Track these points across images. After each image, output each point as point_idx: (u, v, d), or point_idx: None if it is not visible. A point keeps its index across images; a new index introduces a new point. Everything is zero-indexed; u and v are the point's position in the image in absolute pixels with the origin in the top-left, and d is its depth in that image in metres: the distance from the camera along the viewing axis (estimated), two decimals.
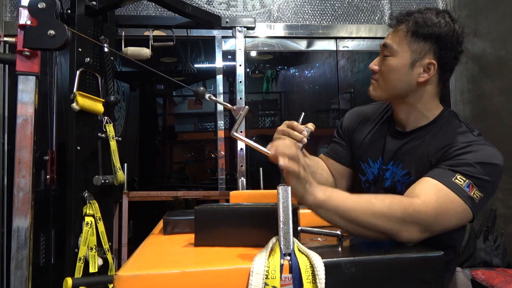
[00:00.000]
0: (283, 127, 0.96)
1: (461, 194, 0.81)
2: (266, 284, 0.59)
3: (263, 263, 0.60)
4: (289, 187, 0.69)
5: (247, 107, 0.94)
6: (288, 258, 0.64)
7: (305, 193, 0.70)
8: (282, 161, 0.66)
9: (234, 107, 0.95)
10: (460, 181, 0.82)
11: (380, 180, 1.03)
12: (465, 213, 0.82)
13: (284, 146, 0.68)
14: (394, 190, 0.99)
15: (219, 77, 2.20)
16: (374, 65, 0.99)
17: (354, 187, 1.16)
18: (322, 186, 0.74)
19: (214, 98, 1.00)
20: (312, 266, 0.62)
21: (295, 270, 0.62)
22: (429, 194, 0.80)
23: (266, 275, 0.59)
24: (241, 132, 2.05)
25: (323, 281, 0.59)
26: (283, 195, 0.68)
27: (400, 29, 0.94)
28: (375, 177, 1.05)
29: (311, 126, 0.97)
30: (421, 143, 0.96)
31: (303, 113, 0.99)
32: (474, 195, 0.82)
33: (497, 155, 0.87)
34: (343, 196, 0.74)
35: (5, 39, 1.26)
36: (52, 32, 1.16)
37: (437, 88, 0.97)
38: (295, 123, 0.95)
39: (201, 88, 1.01)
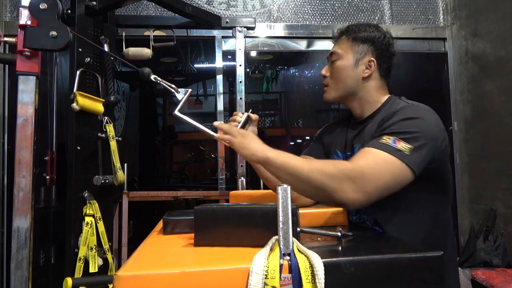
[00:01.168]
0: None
1: (387, 149, 0.88)
2: (265, 284, 0.59)
3: (262, 263, 0.60)
4: (289, 187, 0.69)
5: (190, 90, 1.09)
6: (288, 258, 0.64)
7: (255, 152, 0.91)
8: (216, 135, 0.99)
9: (179, 90, 1.08)
10: (386, 140, 0.90)
11: None
12: (397, 166, 0.87)
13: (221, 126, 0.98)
14: None
15: (219, 77, 2.20)
16: (325, 71, 1.16)
17: None
18: (265, 152, 0.91)
19: (159, 78, 1.06)
20: (311, 266, 0.62)
21: (294, 270, 0.62)
22: (359, 157, 0.90)
23: (265, 275, 0.59)
24: None
25: (323, 281, 0.59)
26: (282, 195, 0.68)
27: (342, 38, 1.14)
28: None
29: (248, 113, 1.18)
30: (370, 126, 1.07)
31: (247, 113, 1.19)
32: (403, 147, 0.88)
33: (421, 111, 0.96)
34: (289, 155, 0.90)
35: (5, 39, 1.26)
36: (54, 33, 1.16)
37: (380, 81, 1.12)
38: (236, 112, 1.20)
39: (147, 68, 1.06)
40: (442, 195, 1.03)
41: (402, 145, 0.88)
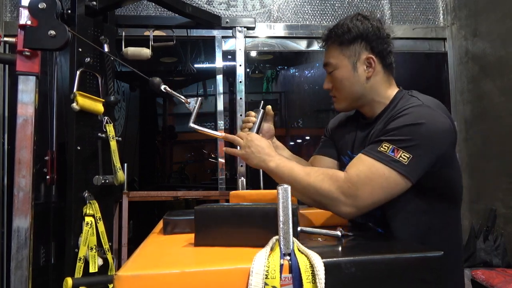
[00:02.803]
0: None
1: (384, 160, 0.85)
2: (266, 284, 0.59)
3: (263, 263, 0.60)
4: (289, 187, 0.69)
5: (200, 98, 1.06)
6: (288, 258, 0.64)
7: (259, 162, 0.96)
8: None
9: (189, 100, 1.06)
10: (385, 148, 0.86)
11: None
12: (392, 180, 0.84)
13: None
14: None
15: (219, 77, 2.20)
16: (326, 84, 1.10)
17: None
18: (277, 155, 0.95)
19: (169, 89, 1.04)
20: (312, 266, 0.62)
21: (295, 270, 0.62)
22: (353, 169, 0.88)
23: (266, 275, 0.59)
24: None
25: (323, 281, 0.59)
26: (282, 195, 0.68)
27: (329, 46, 1.07)
28: None
29: (264, 109, 1.17)
30: (379, 126, 1.01)
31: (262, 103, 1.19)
32: (401, 158, 0.84)
33: (425, 114, 0.89)
34: (290, 166, 0.92)
35: (5, 39, 1.26)
36: (52, 32, 1.16)
37: (385, 74, 1.04)
38: (249, 112, 1.18)
39: (157, 78, 1.04)
40: (449, 194, 0.99)
41: (401, 155, 0.85)
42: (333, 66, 1.05)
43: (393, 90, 1.05)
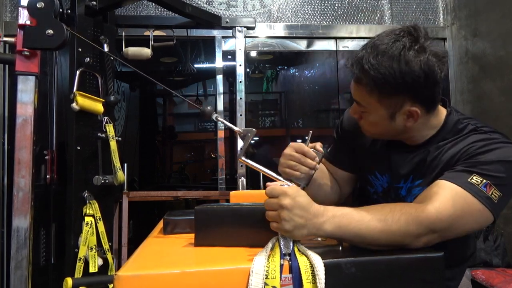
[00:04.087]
0: (291, 151, 0.90)
1: (477, 195, 0.77)
2: (266, 284, 0.59)
3: (263, 263, 0.60)
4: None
5: (254, 130, 0.88)
6: (288, 258, 0.64)
7: (311, 232, 0.68)
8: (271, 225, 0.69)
9: (241, 130, 0.89)
10: (477, 181, 0.78)
11: (392, 194, 0.98)
12: (483, 215, 0.78)
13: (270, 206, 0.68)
14: (407, 199, 0.95)
15: (219, 77, 2.20)
16: (354, 113, 0.92)
17: (356, 190, 1.13)
18: (326, 210, 0.70)
19: (220, 119, 0.94)
20: (312, 266, 0.62)
21: (295, 270, 0.62)
22: (443, 198, 0.76)
23: (266, 275, 0.59)
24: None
25: (323, 281, 0.59)
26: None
27: (361, 86, 0.84)
28: (385, 190, 1.00)
29: (319, 147, 0.93)
30: (432, 153, 0.90)
31: (311, 132, 0.92)
32: (493, 195, 0.78)
33: None
34: (352, 221, 0.70)
35: (5, 39, 1.26)
36: (50, 31, 1.16)
37: (428, 114, 0.87)
38: (305, 148, 0.89)
39: (208, 107, 0.95)
40: None
41: (493, 192, 0.78)
42: (364, 108, 0.87)
43: (438, 117, 0.90)
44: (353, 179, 1.10)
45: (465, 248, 1.00)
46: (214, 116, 0.92)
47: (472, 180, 0.78)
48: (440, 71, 0.81)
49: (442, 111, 0.91)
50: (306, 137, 0.91)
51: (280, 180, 0.79)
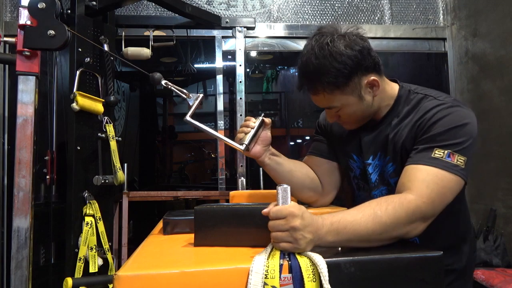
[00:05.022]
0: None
1: (445, 167, 0.82)
2: (265, 283, 0.59)
3: (262, 263, 0.60)
4: (288, 187, 0.69)
5: (201, 95, 1.04)
6: (288, 258, 0.64)
7: (317, 242, 0.69)
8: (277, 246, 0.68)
9: (190, 95, 1.03)
10: (440, 154, 0.83)
11: (365, 175, 1.05)
12: (456, 182, 0.83)
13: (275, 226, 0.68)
14: (383, 181, 1.01)
15: (219, 77, 2.20)
16: (331, 118, 1.01)
17: (343, 182, 1.18)
18: (324, 222, 0.70)
19: (170, 84, 1.05)
20: (313, 265, 0.62)
21: (295, 269, 0.62)
22: (417, 183, 0.81)
23: (265, 274, 0.59)
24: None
25: (327, 278, 0.60)
26: (282, 195, 0.68)
27: (322, 94, 0.92)
28: (361, 172, 1.06)
29: (263, 118, 1.07)
30: (392, 128, 0.97)
31: (262, 114, 1.11)
32: (458, 162, 0.83)
33: (465, 114, 0.88)
34: (347, 223, 0.72)
35: (5, 39, 1.26)
36: (52, 32, 1.16)
37: (382, 79, 0.97)
38: (248, 117, 1.08)
39: (157, 74, 1.04)
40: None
41: (458, 159, 0.83)
42: (339, 107, 0.95)
43: (393, 87, 1.00)
44: (335, 168, 1.15)
45: (458, 227, 1.02)
46: (163, 82, 1.04)
47: (435, 154, 0.83)
48: (363, 40, 0.92)
49: (395, 86, 1.01)
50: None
51: (227, 141, 1.01)
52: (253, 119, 1.08)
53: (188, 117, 1.01)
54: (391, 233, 0.75)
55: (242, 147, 1.01)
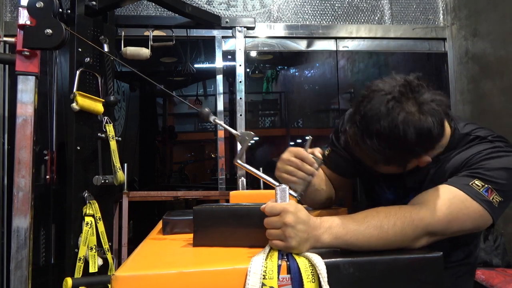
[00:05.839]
0: (289, 156, 0.87)
1: (477, 197, 0.78)
2: (263, 284, 0.59)
3: (260, 263, 0.60)
4: (287, 187, 0.69)
5: (252, 133, 0.88)
6: (286, 259, 0.64)
7: (313, 243, 0.67)
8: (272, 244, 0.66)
9: (239, 133, 0.89)
10: (478, 185, 0.79)
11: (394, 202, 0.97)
12: (482, 217, 0.79)
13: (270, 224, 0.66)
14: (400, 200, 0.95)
15: (219, 77, 2.20)
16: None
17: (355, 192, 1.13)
18: (322, 225, 0.68)
19: (218, 121, 0.94)
20: (312, 266, 0.62)
21: (294, 270, 0.62)
22: (440, 200, 0.76)
23: (263, 275, 0.59)
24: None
25: (326, 278, 0.60)
26: (281, 195, 0.68)
27: (375, 159, 0.81)
28: (393, 201, 0.99)
29: (318, 153, 0.91)
30: (440, 167, 0.89)
31: (311, 138, 0.90)
32: (493, 200, 0.79)
33: None
34: (348, 230, 0.69)
35: (5, 39, 1.26)
36: (49, 31, 1.16)
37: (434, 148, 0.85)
38: (304, 153, 0.86)
39: (206, 109, 0.94)
40: None
41: (494, 197, 0.79)
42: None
43: (445, 136, 0.86)
44: (350, 184, 1.10)
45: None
46: (212, 119, 0.91)
47: (474, 184, 0.79)
48: (438, 122, 0.76)
49: (447, 130, 0.86)
50: (305, 142, 0.90)
51: (276, 185, 0.74)
52: (310, 157, 0.87)
53: (238, 160, 0.87)
54: (394, 247, 0.72)
55: (296, 195, 0.85)
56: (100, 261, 1.54)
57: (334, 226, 0.69)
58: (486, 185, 0.79)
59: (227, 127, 0.92)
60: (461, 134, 0.89)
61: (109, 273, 1.61)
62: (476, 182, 0.80)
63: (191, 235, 0.76)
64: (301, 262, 0.63)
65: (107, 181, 1.62)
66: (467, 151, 0.87)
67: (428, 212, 0.75)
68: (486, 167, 0.82)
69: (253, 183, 2.19)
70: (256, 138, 0.85)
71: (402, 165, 0.83)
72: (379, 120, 0.74)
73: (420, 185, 0.90)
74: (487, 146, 0.86)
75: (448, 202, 0.77)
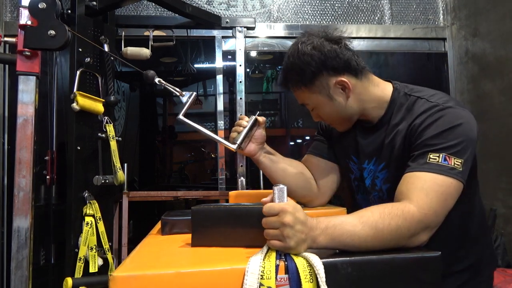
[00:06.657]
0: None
1: (442, 171, 0.79)
2: (261, 284, 0.59)
3: (258, 263, 0.61)
4: (285, 187, 0.69)
5: (195, 93, 1.07)
6: (284, 259, 0.64)
7: (310, 244, 0.68)
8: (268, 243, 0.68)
9: (184, 93, 1.05)
10: (435, 158, 0.81)
11: (362, 178, 1.05)
12: (455, 186, 0.80)
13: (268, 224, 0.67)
14: (374, 187, 1.00)
15: (219, 77, 2.20)
16: (316, 118, 1.06)
17: (341, 184, 1.18)
18: (318, 225, 0.70)
19: (163, 82, 1.06)
20: (310, 266, 0.62)
21: (292, 270, 0.62)
22: (417, 191, 0.78)
23: (261, 275, 0.59)
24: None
25: (324, 279, 0.60)
26: (279, 195, 0.69)
27: (294, 91, 1.01)
28: (360, 174, 1.06)
29: (257, 116, 1.10)
30: (387, 134, 0.96)
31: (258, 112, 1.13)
32: (455, 164, 0.80)
33: (457, 114, 0.86)
34: (344, 231, 0.70)
35: (5, 39, 1.26)
36: (52, 32, 1.16)
37: (363, 81, 0.97)
38: (242, 116, 1.12)
39: (151, 71, 1.06)
40: (473, 181, 0.95)
41: (454, 162, 0.80)
42: (311, 106, 1.01)
43: (384, 90, 0.99)
44: (334, 169, 1.15)
45: (466, 228, 0.99)
46: (156, 80, 1.06)
47: (430, 159, 0.81)
48: (335, 43, 0.94)
49: (387, 87, 0.99)
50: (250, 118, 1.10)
51: (220, 140, 1.05)
52: (246, 118, 1.10)
53: (181, 116, 1.02)
54: (391, 246, 0.73)
55: (234, 146, 1.02)
56: (100, 261, 1.54)
57: (330, 227, 0.70)
58: (441, 154, 0.81)
59: (170, 86, 1.06)
60: (401, 91, 0.97)
61: (109, 273, 1.61)
62: (431, 156, 0.81)
63: (190, 235, 0.77)
64: (299, 262, 0.63)
65: (107, 181, 1.62)
66: (409, 116, 0.91)
67: (414, 207, 0.76)
68: (430, 135, 0.84)
69: (253, 183, 2.19)
70: (195, 93, 1.08)
71: (321, 87, 0.94)
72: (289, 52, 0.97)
73: (379, 152, 0.98)
74: (425, 107, 0.89)
75: (424, 190, 0.78)
